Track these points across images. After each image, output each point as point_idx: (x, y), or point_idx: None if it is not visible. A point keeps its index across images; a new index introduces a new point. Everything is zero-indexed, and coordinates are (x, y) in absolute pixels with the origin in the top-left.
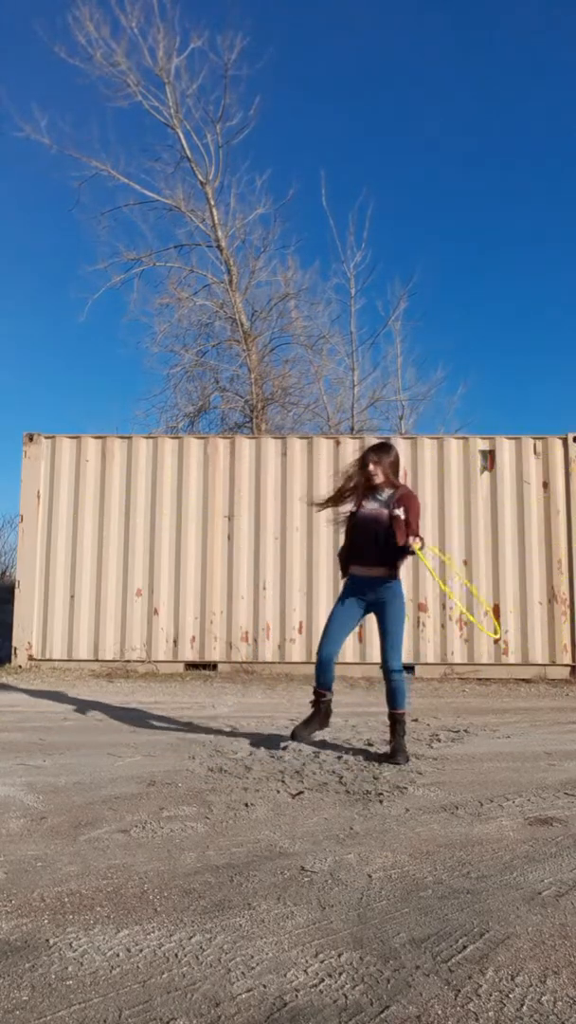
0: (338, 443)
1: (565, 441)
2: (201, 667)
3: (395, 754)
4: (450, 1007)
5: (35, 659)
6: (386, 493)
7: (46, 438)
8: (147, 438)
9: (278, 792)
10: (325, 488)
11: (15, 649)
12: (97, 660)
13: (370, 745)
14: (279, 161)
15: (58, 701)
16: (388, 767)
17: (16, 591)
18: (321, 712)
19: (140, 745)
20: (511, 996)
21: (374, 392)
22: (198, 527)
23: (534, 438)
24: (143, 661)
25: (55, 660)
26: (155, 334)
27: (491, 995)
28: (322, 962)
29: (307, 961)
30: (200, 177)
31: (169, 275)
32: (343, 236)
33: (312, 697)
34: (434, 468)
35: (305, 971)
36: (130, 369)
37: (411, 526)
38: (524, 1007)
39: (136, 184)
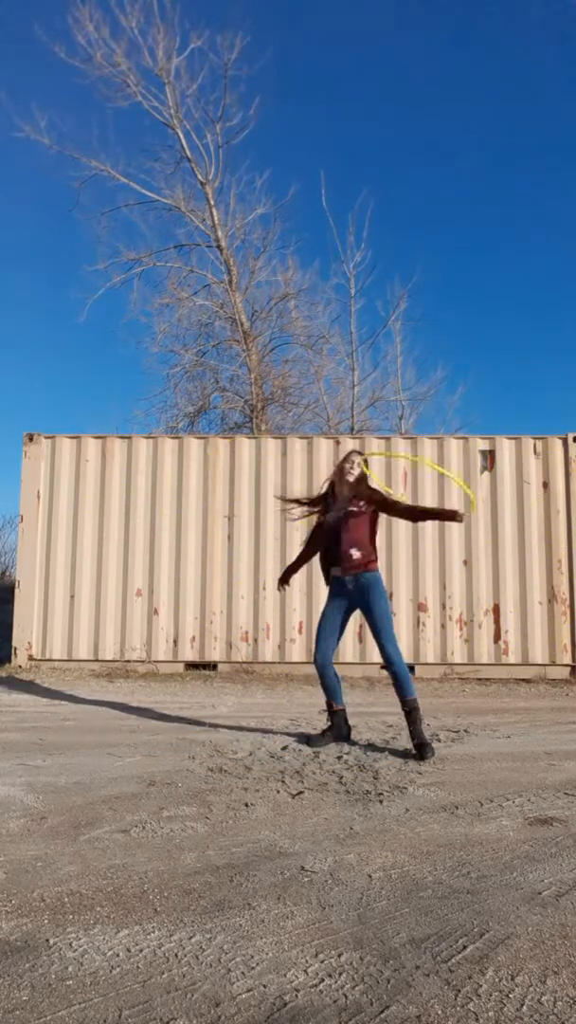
0: (338, 443)
1: (565, 441)
2: (201, 667)
3: (422, 748)
4: (450, 1007)
5: (35, 659)
6: (345, 499)
7: (46, 438)
8: (147, 438)
9: (278, 792)
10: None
11: (15, 649)
12: (97, 660)
13: (370, 745)
14: (279, 161)
15: (58, 701)
16: (387, 767)
17: (16, 591)
18: (335, 724)
19: (140, 745)
20: (511, 996)
21: (374, 392)
22: (198, 527)
23: (534, 438)
24: (143, 661)
25: (55, 660)
26: (155, 334)
27: (491, 995)
28: (322, 962)
29: (307, 961)
30: (200, 177)
31: (169, 275)
32: (343, 236)
33: (326, 711)
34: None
35: (305, 971)
36: (130, 369)
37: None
38: (524, 1007)
39: (136, 184)
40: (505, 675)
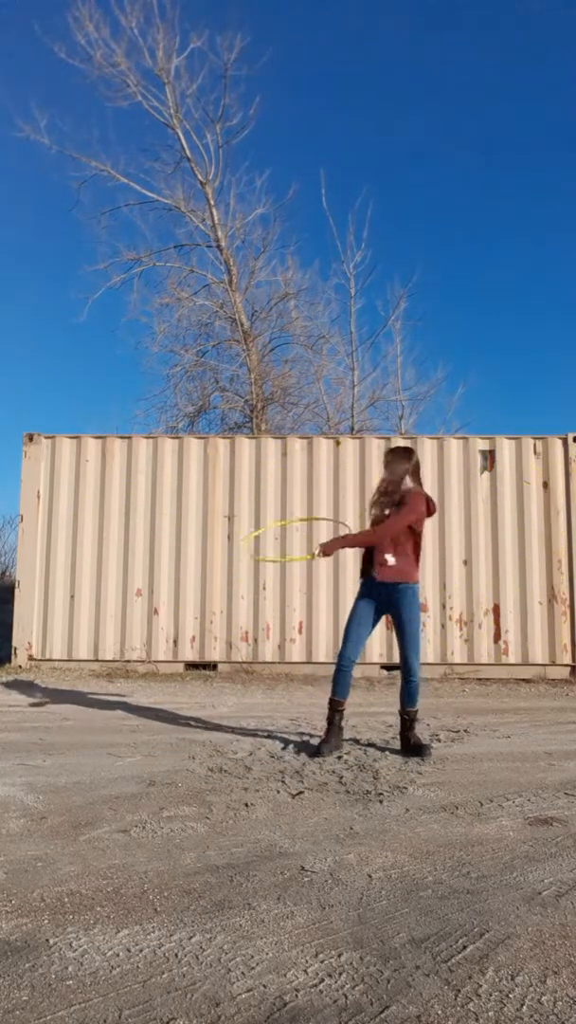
0: (338, 443)
1: (565, 441)
2: (201, 667)
3: (422, 748)
4: (450, 1007)
5: (35, 659)
6: (397, 497)
7: (46, 438)
8: (147, 438)
9: (278, 792)
10: (325, 488)
11: (15, 649)
12: (97, 660)
13: (370, 745)
14: (279, 161)
15: (58, 701)
16: (387, 767)
17: (16, 591)
18: (337, 725)
19: (140, 745)
20: (511, 996)
21: (374, 392)
22: (198, 527)
23: (534, 438)
24: (143, 661)
25: (55, 660)
26: (155, 334)
27: (491, 995)
28: (322, 962)
29: (307, 961)
30: (200, 177)
31: (169, 275)
32: (343, 236)
33: (328, 708)
34: (434, 468)
35: (305, 971)
36: (130, 369)
37: (366, 536)
38: (524, 1007)
39: (136, 184)
40: (505, 675)
